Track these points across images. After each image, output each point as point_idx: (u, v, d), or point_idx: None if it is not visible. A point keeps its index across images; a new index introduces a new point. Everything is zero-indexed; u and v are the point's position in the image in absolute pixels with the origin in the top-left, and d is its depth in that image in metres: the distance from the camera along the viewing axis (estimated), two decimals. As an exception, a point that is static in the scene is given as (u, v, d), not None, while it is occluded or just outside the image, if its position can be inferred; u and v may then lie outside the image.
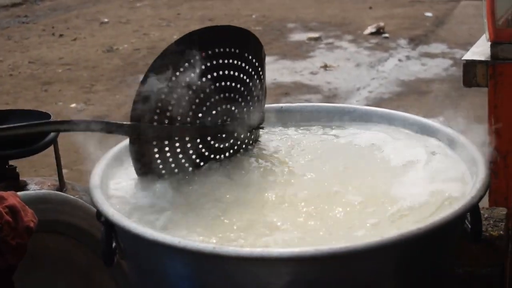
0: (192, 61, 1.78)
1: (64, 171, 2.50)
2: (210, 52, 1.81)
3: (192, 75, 1.78)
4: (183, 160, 1.84)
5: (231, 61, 1.85)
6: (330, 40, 7.67)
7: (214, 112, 1.84)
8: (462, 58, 3.04)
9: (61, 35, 8.71)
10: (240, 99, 1.87)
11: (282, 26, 8.31)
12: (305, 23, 8.34)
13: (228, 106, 1.85)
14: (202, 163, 1.87)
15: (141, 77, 1.75)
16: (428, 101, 5.97)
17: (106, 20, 9.45)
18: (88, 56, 8.00)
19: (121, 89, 6.78)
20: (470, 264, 2.28)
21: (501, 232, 2.27)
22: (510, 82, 2.97)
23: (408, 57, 7.35)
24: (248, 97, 1.89)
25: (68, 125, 1.82)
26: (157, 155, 1.81)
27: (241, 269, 1.54)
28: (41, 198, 2.18)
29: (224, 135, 1.88)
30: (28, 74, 7.26)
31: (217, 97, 1.83)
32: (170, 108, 1.78)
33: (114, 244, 1.76)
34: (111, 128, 1.80)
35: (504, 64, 2.98)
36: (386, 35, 8.00)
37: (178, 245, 1.53)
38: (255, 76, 1.90)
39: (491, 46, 2.99)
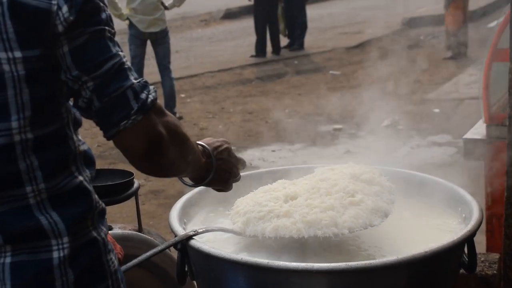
0: None
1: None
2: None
3: None
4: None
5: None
6: (352, 131, 7.91)
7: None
8: (463, 137, 3.25)
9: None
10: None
11: (311, 118, 8.59)
12: (330, 116, 8.60)
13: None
14: None
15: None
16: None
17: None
18: (146, 142, 8.31)
19: (175, 169, 7.02)
20: (470, 298, 2.44)
21: (495, 271, 2.43)
22: (502, 157, 3.17)
23: (418, 146, 7.55)
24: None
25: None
26: None
27: (289, 280, 1.73)
28: (126, 237, 2.40)
29: None
30: (96, 155, 7.53)
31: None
32: None
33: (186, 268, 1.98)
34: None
35: (497, 142, 3.19)
36: (400, 127, 8.23)
37: (240, 261, 1.74)
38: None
39: (487, 127, 3.21)
